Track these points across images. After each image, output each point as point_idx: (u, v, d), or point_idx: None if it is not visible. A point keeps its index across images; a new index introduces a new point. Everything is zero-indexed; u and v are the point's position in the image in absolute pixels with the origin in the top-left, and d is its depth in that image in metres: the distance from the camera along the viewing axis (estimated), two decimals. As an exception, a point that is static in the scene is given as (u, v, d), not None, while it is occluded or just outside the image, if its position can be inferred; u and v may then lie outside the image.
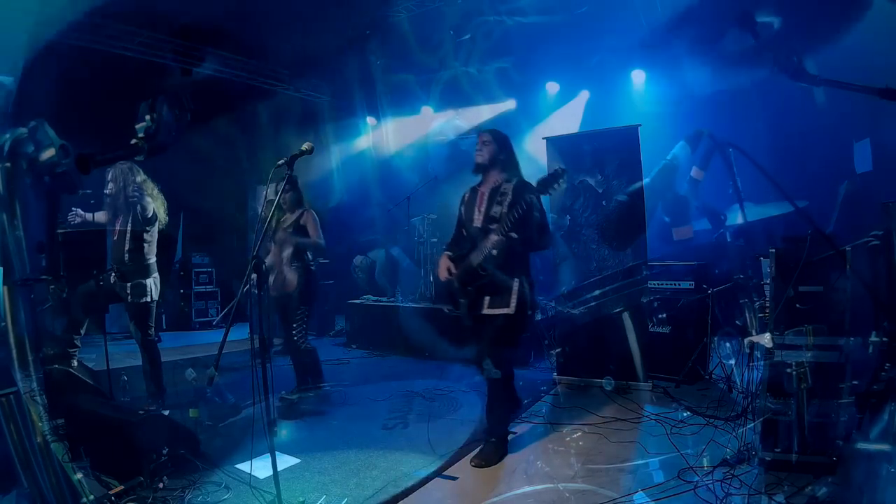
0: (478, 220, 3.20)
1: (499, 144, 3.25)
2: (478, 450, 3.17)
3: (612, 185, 4.72)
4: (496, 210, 3.10)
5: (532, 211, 2.96)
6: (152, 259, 3.90)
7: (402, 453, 3.31)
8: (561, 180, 2.99)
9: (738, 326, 4.14)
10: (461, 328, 3.35)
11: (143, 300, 3.80)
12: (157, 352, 3.92)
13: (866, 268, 2.64)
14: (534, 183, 3.09)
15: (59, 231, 4.56)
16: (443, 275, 3.24)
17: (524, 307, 3.11)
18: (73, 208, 3.94)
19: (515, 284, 3.07)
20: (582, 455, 3.19)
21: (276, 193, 2.76)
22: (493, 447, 3.14)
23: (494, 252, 3.02)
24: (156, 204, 3.91)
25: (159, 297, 3.98)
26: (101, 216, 4.01)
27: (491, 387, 3.22)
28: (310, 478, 2.96)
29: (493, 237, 3.01)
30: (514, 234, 2.97)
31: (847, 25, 3.68)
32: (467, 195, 3.39)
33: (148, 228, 3.86)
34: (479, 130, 3.53)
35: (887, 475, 2.06)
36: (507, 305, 3.06)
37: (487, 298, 3.11)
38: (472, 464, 3.07)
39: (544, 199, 3.24)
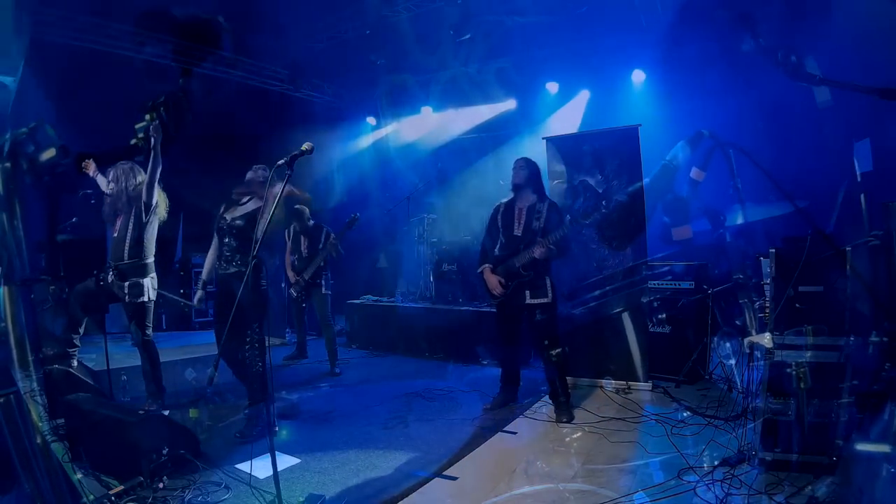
0: (517, 230, 3.99)
1: (530, 170, 4.04)
2: (557, 412, 3.87)
3: (612, 185, 4.72)
4: (535, 225, 3.92)
5: (568, 235, 3.94)
6: (150, 259, 3.90)
7: (403, 453, 3.31)
8: (596, 214, 3.88)
9: (738, 326, 4.14)
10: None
11: (141, 300, 3.80)
12: (157, 352, 3.91)
13: (866, 268, 2.64)
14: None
15: (59, 233, 4.58)
16: (498, 290, 3.95)
17: (555, 296, 3.97)
18: (87, 160, 3.95)
19: (548, 280, 3.93)
20: (582, 455, 3.20)
21: (277, 194, 2.76)
22: (568, 406, 3.91)
23: (538, 258, 3.78)
24: (158, 199, 3.92)
25: (157, 296, 3.97)
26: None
27: (558, 362, 3.90)
28: (310, 478, 2.96)
29: (539, 249, 3.75)
30: (553, 248, 3.77)
31: (847, 25, 3.68)
32: (502, 208, 4.13)
33: (148, 226, 3.85)
34: (515, 158, 4.17)
35: (887, 475, 2.06)
36: (546, 296, 3.90)
37: (528, 292, 3.89)
38: (564, 420, 3.79)
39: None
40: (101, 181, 4.08)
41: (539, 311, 3.90)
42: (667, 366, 4.59)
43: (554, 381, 3.90)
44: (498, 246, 4.05)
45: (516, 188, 4.06)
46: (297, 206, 5.57)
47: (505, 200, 4.17)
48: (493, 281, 3.96)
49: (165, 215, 4.03)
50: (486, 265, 4.05)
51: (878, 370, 2.51)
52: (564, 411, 3.84)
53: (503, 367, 4.30)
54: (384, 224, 7.92)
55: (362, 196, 8.26)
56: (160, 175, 3.81)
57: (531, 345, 5.39)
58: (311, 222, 5.63)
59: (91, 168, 4.08)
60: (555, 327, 3.98)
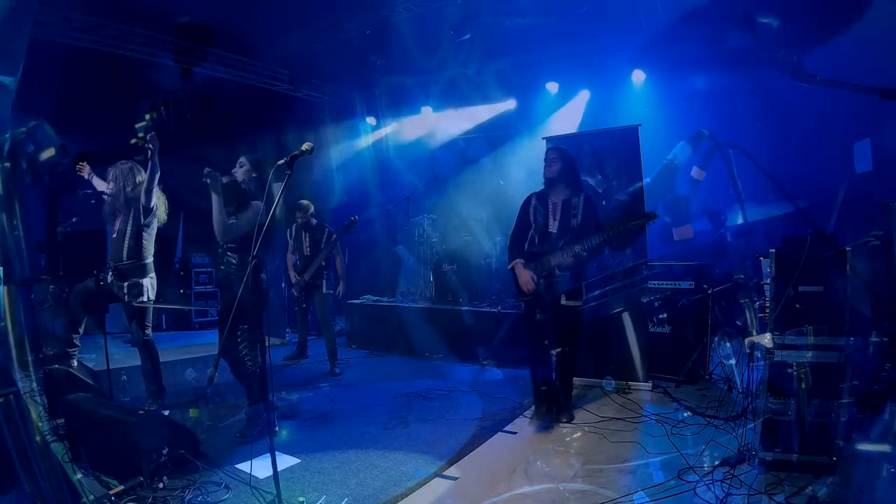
0: (552, 227, 3.78)
1: (564, 163, 3.78)
2: (556, 412, 3.81)
3: (612, 185, 4.72)
4: (573, 222, 3.72)
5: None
6: (149, 259, 3.90)
7: (403, 453, 3.31)
8: (643, 220, 3.62)
9: (739, 326, 4.14)
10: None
11: (140, 300, 3.80)
12: (157, 352, 3.91)
13: (866, 268, 2.64)
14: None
15: (59, 232, 4.58)
16: (530, 287, 3.73)
17: (585, 300, 3.86)
18: (81, 163, 3.95)
19: (583, 284, 3.78)
20: (582, 455, 3.20)
21: (277, 194, 2.76)
22: (568, 406, 3.88)
23: (575, 259, 3.62)
24: (157, 202, 3.92)
25: (156, 296, 3.97)
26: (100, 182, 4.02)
27: (561, 362, 3.85)
28: (310, 478, 2.96)
29: (579, 249, 3.58)
30: (593, 251, 3.62)
31: (847, 25, 3.68)
32: (534, 201, 3.89)
33: (147, 227, 3.85)
34: (547, 147, 3.94)
35: (887, 475, 2.06)
36: (580, 299, 3.78)
37: (563, 294, 3.71)
38: (564, 420, 3.76)
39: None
40: (98, 183, 4.08)
41: (569, 312, 3.74)
42: (667, 366, 4.59)
43: (556, 380, 3.88)
44: (528, 241, 3.86)
45: (549, 182, 3.83)
46: (301, 201, 5.57)
47: (536, 192, 3.94)
48: (526, 276, 3.74)
49: (165, 217, 4.03)
50: (518, 260, 3.81)
51: (879, 370, 2.51)
52: (564, 411, 3.84)
53: (537, 375, 3.89)
54: (384, 224, 7.92)
55: (362, 196, 8.27)
56: (160, 176, 3.82)
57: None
58: (315, 221, 5.62)
59: (85, 171, 4.06)
60: (567, 328, 3.80)
